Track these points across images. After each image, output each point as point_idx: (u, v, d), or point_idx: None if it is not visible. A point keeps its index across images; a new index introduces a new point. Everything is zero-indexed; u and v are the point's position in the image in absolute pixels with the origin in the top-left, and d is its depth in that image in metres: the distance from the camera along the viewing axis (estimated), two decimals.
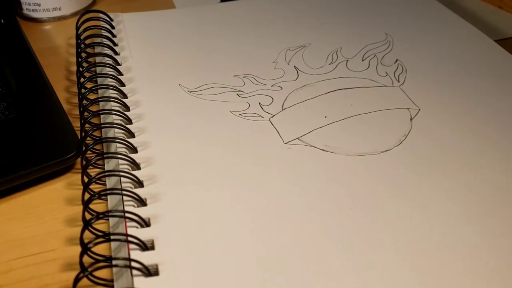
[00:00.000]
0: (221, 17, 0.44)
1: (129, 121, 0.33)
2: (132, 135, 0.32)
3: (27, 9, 0.44)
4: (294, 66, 0.39)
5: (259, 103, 0.35)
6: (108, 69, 0.36)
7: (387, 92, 0.36)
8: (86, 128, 0.31)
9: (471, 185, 0.29)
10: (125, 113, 0.33)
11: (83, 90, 0.34)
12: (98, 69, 0.37)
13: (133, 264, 0.24)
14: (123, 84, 0.36)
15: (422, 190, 0.29)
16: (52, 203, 0.29)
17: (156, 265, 0.24)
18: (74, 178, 0.31)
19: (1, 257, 0.26)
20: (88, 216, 0.27)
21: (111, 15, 0.43)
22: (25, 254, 0.27)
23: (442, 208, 0.28)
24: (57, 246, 0.27)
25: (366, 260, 0.25)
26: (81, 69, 0.36)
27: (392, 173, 0.30)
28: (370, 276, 0.25)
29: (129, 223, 0.26)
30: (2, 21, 0.43)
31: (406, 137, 0.32)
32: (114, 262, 0.24)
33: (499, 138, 0.32)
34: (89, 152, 0.31)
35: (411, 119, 0.34)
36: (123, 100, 0.34)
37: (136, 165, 0.30)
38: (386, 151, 0.32)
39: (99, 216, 0.26)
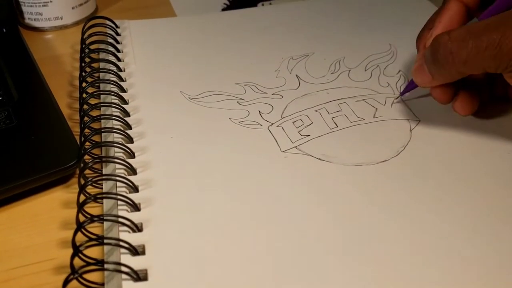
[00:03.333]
0: (224, 26, 0.44)
1: (129, 127, 0.33)
2: (130, 140, 0.32)
3: (29, 18, 0.45)
4: (296, 75, 0.39)
5: (259, 111, 0.35)
6: (110, 75, 0.37)
7: (387, 102, 0.36)
8: (86, 133, 0.32)
9: (467, 198, 0.29)
10: (125, 118, 0.33)
11: (84, 95, 0.34)
12: (101, 75, 0.38)
13: (123, 268, 0.24)
14: (124, 90, 0.36)
15: (418, 202, 0.29)
16: (53, 212, 0.29)
17: (146, 270, 0.24)
18: (75, 186, 0.31)
19: (1, 266, 0.27)
20: (82, 219, 0.27)
21: (117, 22, 0.43)
22: (25, 263, 0.27)
23: (436, 220, 0.28)
24: (57, 255, 0.27)
25: (360, 269, 0.25)
26: (83, 74, 0.36)
27: (389, 184, 0.30)
28: (364, 285, 0.24)
29: (122, 228, 0.26)
30: (4, 30, 0.43)
31: (404, 148, 0.32)
32: (104, 266, 0.25)
33: (498, 152, 0.32)
34: (88, 157, 0.31)
35: (410, 130, 0.34)
36: (123, 106, 0.34)
37: (132, 170, 0.30)
38: (383, 161, 0.31)
39: (93, 219, 0.26)
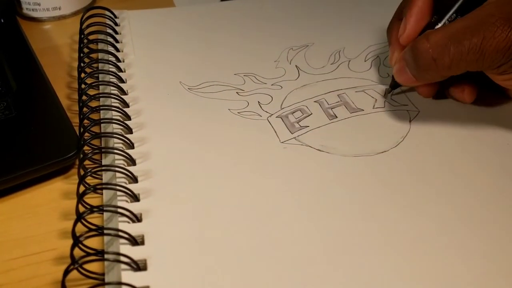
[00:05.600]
0: (223, 16, 0.44)
1: (128, 117, 0.33)
2: (130, 131, 0.32)
3: (27, 8, 0.45)
4: (296, 66, 0.39)
5: (258, 101, 0.35)
6: (109, 65, 0.37)
7: (387, 93, 0.36)
8: (85, 124, 0.32)
9: (466, 189, 0.29)
10: (124, 109, 0.33)
11: (83, 86, 0.34)
12: (100, 66, 0.37)
13: (122, 258, 0.24)
14: (123, 81, 0.36)
15: (417, 192, 0.29)
16: (53, 202, 0.30)
17: (145, 260, 0.25)
18: (74, 177, 0.31)
19: (2, 256, 0.27)
20: (82, 210, 0.27)
21: (116, 12, 0.43)
22: (25, 253, 0.27)
23: (436, 210, 0.28)
24: (57, 245, 0.27)
25: (359, 261, 0.25)
26: (82, 64, 0.36)
27: (388, 174, 0.30)
28: (363, 277, 0.24)
29: (121, 218, 0.26)
30: (2, 20, 0.43)
31: (404, 139, 0.32)
32: (104, 256, 0.25)
33: (498, 143, 0.32)
34: (88, 147, 0.31)
35: (410, 121, 0.34)
36: (122, 96, 0.34)
37: (132, 161, 0.30)
38: (383, 152, 0.31)
39: (92, 209, 0.26)
